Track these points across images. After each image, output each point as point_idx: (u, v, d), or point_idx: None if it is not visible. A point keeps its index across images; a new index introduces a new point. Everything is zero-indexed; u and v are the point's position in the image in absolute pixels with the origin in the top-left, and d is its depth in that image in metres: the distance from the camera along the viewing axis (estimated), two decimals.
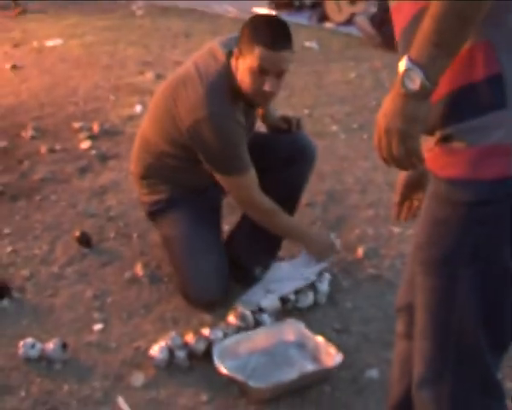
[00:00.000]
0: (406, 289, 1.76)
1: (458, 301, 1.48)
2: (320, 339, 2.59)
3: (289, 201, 3.06)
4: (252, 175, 2.78)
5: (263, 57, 2.58)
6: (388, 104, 1.42)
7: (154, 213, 3.03)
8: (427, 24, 1.34)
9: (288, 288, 2.89)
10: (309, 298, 2.88)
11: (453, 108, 1.42)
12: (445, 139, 1.44)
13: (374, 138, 1.47)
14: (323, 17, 7.98)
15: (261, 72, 2.61)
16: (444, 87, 1.40)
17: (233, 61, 2.71)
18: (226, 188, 2.89)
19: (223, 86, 2.70)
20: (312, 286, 2.91)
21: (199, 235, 2.91)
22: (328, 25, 7.92)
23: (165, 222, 2.99)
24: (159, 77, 5.90)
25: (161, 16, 7.63)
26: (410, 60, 1.36)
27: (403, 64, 1.37)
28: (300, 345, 2.63)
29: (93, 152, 4.27)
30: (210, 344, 2.52)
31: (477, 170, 1.39)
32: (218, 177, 2.81)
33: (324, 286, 2.94)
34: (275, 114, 3.18)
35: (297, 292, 2.88)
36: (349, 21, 7.59)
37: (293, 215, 3.11)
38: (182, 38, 7.32)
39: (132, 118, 4.95)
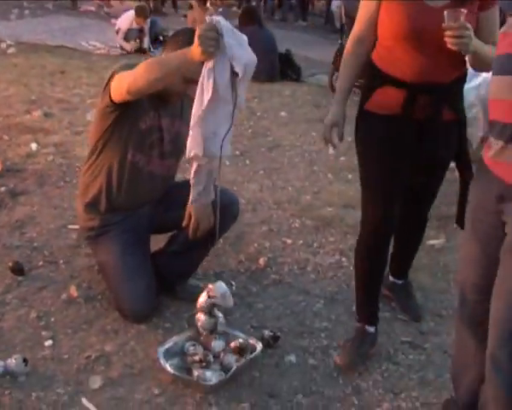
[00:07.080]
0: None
1: None
2: (240, 334, 3.06)
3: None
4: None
5: None
6: None
7: (88, 239, 3.42)
8: None
9: None
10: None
11: None
12: None
13: None
14: None
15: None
16: None
17: None
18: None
19: None
20: None
21: (129, 259, 3.26)
22: None
23: (99, 248, 3.37)
24: (47, 115, 6.20)
25: (33, 53, 7.86)
26: None
27: None
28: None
29: (2, 189, 4.55)
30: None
31: None
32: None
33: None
34: None
35: None
36: None
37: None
38: (58, 75, 7.62)
39: (30, 156, 5.25)
